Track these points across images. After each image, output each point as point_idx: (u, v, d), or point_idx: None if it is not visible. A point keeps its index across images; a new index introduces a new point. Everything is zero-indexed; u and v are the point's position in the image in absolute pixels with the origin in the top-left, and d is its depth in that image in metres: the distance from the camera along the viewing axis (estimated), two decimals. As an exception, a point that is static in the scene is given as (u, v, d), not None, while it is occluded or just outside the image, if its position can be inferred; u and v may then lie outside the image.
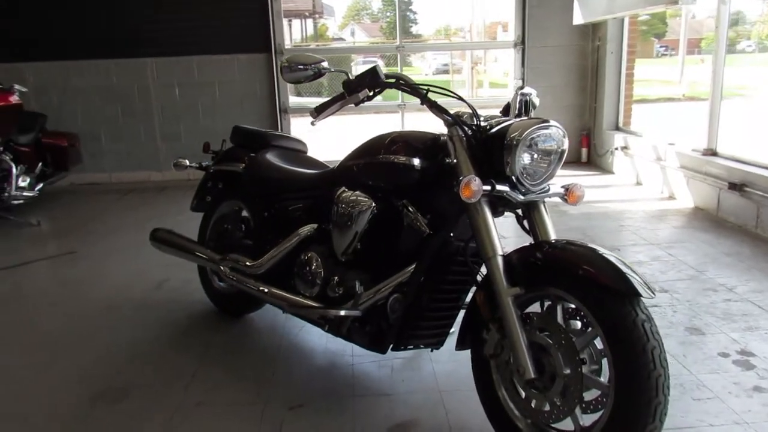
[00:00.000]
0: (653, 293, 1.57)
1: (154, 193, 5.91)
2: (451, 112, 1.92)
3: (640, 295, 1.56)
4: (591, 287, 1.61)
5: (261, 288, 2.39)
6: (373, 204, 2.10)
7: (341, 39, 30.68)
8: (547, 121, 1.85)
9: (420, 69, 21.99)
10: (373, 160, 2.14)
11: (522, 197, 1.88)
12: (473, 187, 1.75)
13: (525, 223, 2.01)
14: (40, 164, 5.18)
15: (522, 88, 2.13)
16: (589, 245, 1.73)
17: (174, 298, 3.21)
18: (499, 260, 1.79)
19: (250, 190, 2.65)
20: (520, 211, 2.02)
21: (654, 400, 1.51)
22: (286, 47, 6.34)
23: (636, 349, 1.52)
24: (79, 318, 3.01)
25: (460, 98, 2.02)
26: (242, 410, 2.16)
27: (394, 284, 2.04)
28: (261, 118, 6.26)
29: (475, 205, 1.83)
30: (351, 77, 2.01)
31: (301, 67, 1.99)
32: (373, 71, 1.97)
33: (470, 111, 1.95)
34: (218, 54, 6.20)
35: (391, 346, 2.11)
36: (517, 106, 2.15)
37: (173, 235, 2.88)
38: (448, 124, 1.93)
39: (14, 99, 5.29)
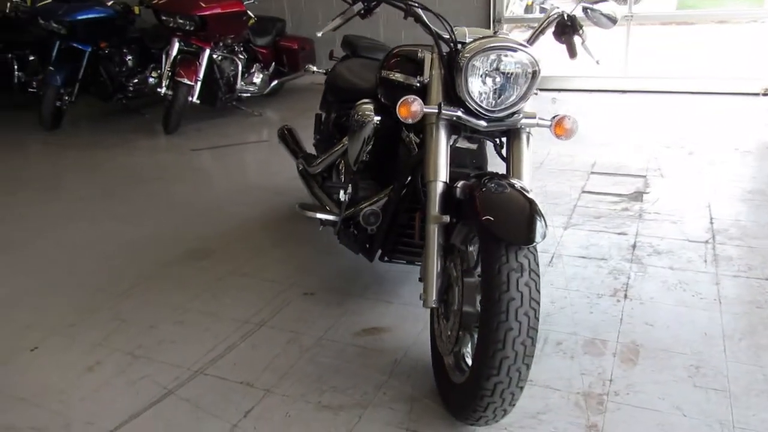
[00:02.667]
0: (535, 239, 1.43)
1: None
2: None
3: (521, 244, 1.42)
4: (483, 230, 1.51)
5: (308, 186, 2.66)
6: (375, 117, 2.15)
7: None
8: (510, 43, 1.66)
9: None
10: (379, 75, 2.17)
11: (485, 124, 1.76)
12: (412, 107, 1.72)
13: (504, 152, 1.88)
14: (273, 64, 6.07)
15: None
16: (509, 184, 1.59)
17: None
18: (438, 186, 1.75)
19: (325, 96, 2.88)
20: (503, 140, 1.88)
21: (499, 353, 1.41)
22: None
23: (492, 296, 1.42)
24: (225, 193, 3.71)
25: (437, 15, 1.89)
26: (268, 285, 2.54)
27: (377, 198, 2.12)
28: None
29: (431, 126, 1.78)
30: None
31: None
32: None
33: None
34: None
35: (378, 256, 2.21)
36: (545, 24, 1.95)
37: (287, 133, 3.28)
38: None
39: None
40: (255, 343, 2.16)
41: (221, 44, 5.34)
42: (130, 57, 5.74)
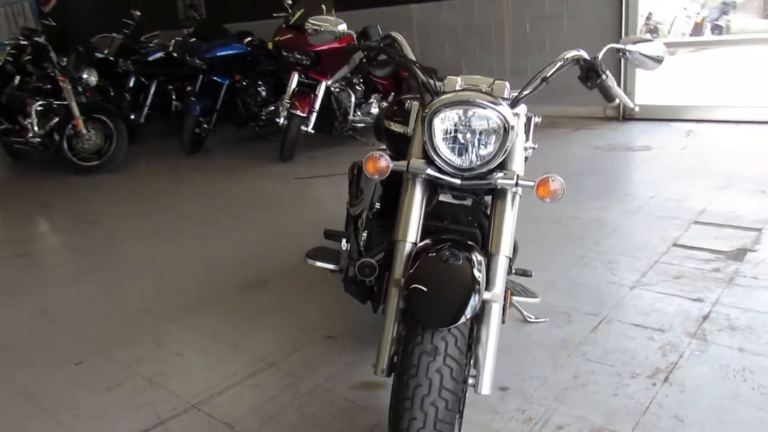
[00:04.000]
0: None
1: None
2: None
3: (435, 326, 1.30)
4: (406, 300, 1.41)
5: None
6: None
7: None
8: (478, 98, 1.53)
9: None
10: (381, 123, 2.12)
11: (458, 182, 1.64)
12: (378, 164, 1.66)
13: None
14: (392, 94, 6.18)
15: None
16: (465, 256, 1.46)
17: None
18: (405, 247, 1.66)
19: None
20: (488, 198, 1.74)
21: None
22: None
23: (402, 378, 1.31)
24: (307, 223, 3.84)
25: (415, 63, 1.80)
26: (298, 323, 2.58)
27: (379, 249, 2.05)
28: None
29: (406, 182, 1.71)
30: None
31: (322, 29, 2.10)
32: (364, 32, 1.94)
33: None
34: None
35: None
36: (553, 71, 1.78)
37: (357, 171, 3.31)
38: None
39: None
40: (257, 383, 2.20)
41: (337, 77, 5.56)
42: (263, 88, 6.23)
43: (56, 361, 2.45)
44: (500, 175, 1.63)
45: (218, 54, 5.82)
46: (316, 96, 5.36)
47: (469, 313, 1.32)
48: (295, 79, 5.46)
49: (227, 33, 6.16)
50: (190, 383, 2.23)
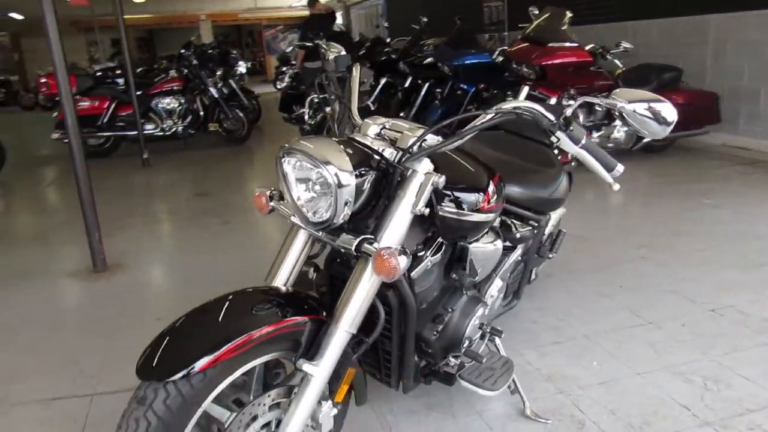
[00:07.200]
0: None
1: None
2: None
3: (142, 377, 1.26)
4: None
5: None
6: None
7: None
8: (313, 147, 1.37)
9: None
10: None
11: (318, 234, 1.51)
12: (259, 200, 1.62)
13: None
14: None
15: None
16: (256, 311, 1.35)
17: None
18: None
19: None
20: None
21: None
22: None
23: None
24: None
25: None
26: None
27: None
28: None
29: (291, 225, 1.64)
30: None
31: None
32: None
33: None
34: None
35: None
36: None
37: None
38: None
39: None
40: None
41: (567, 94, 5.09)
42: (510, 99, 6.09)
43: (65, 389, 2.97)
44: (345, 237, 1.41)
45: (464, 62, 5.90)
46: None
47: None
48: (523, 94, 5.19)
49: (477, 42, 6.16)
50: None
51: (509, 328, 2.52)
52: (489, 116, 1.46)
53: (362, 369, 1.63)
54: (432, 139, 1.51)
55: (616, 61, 5.26)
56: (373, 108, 6.91)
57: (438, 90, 7.26)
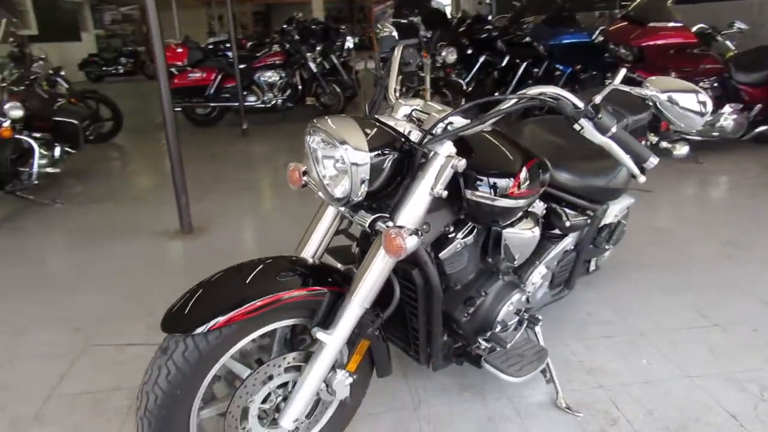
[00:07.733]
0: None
1: None
2: None
3: (168, 330, 1.39)
4: None
5: None
6: None
7: None
8: (336, 127, 1.43)
9: None
10: None
11: (342, 209, 1.58)
12: (293, 176, 1.70)
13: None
14: (759, 106, 4.90)
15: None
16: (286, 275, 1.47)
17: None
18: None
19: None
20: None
21: None
22: None
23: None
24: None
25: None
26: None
27: None
28: None
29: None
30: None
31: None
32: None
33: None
34: None
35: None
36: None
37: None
38: None
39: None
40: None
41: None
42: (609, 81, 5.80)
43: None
44: (362, 214, 1.46)
45: (561, 42, 5.67)
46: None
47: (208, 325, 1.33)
48: (619, 77, 4.91)
49: (576, 21, 5.88)
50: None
51: (560, 317, 2.47)
52: (512, 101, 1.44)
53: (387, 342, 1.68)
54: (459, 122, 1.51)
55: (728, 43, 4.84)
56: (467, 89, 6.81)
57: (535, 70, 7.06)
